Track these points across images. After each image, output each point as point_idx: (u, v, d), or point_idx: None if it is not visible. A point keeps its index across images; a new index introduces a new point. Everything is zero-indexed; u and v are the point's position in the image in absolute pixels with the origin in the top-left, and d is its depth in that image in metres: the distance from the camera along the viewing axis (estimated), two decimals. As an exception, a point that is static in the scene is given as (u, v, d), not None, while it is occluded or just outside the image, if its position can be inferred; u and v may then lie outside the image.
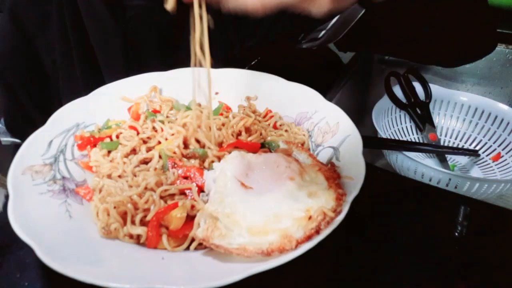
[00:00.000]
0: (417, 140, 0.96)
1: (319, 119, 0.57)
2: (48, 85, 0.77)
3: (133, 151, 0.53)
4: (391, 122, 0.95)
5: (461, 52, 0.69)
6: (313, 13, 0.40)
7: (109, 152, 0.53)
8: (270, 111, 0.62)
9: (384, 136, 0.85)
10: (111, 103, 0.61)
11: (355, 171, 0.46)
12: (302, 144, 0.55)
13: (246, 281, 0.35)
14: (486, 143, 0.91)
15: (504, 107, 0.89)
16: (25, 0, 0.70)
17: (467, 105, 0.94)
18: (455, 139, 0.96)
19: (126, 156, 0.53)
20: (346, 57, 1.00)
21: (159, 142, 0.54)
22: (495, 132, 0.90)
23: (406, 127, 0.96)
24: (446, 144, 0.95)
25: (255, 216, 0.41)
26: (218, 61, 0.66)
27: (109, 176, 0.50)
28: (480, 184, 0.72)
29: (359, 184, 0.44)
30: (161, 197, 0.46)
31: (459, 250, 0.50)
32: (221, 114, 0.60)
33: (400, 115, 0.96)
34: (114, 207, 0.45)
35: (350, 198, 0.42)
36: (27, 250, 0.37)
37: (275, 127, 0.59)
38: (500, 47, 0.99)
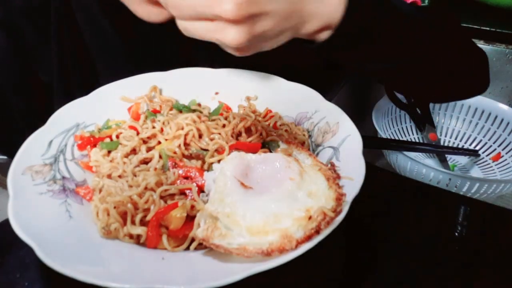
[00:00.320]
0: (417, 140, 0.96)
1: (319, 119, 0.57)
2: (41, 99, 0.76)
3: (133, 151, 0.53)
4: (391, 122, 0.95)
5: (452, 91, 0.69)
6: None
7: (109, 152, 0.53)
8: (270, 111, 0.62)
9: (384, 136, 0.85)
10: (111, 103, 0.60)
11: (355, 171, 0.46)
12: (302, 144, 0.55)
13: (246, 281, 0.35)
14: (486, 143, 0.91)
15: (504, 107, 0.90)
16: (18, 8, 0.69)
17: (467, 105, 0.94)
18: (455, 139, 0.96)
19: (126, 156, 0.53)
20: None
21: (159, 142, 0.54)
22: (495, 132, 0.90)
23: (406, 127, 0.97)
24: (446, 144, 0.95)
25: (255, 216, 0.41)
26: (218, 61, 0.66)
27: (109, 176, 0.50)
28: (480, 184, 0.72)
29: (359, 184, 0.44)
30: (161, 197, 0.46)
31: (459, 250, 0.50)
32: (221, 114, 0.60)
33: (400, 115, 0.97)
34: (114, 207, 0.45)
35: (350, 198, 0.42)
36: (27, 250, 0.37)
37: (275, 127, 0.59)
38: (500, 47, 1.00)
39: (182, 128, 0.54)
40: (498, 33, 0.99)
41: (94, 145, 0.54)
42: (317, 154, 0.54)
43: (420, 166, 0.75)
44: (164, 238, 0.43)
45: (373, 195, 0.50)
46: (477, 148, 0.92)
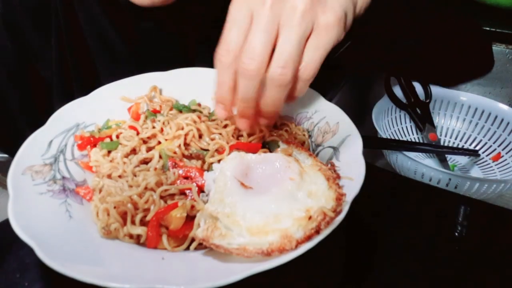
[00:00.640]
0: (417, 140, 0.96)
1: (319, 119, 0.57)
2: (42, 97, 0.76)
3: (133, 151, 0.53)
4: (391, 122, 0.95)
5: (457, 72, 0.70)
6: None
7: (109, 152, 0.53)
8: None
9: (384, 136, 0.85)
10: (111, 103, 0.60)
11: (355, 171, 0.46)
12: (302, 144, 0.55)
13: (246, 281, 0.35)
14: (486, 143, 0.91)
15: (504, 107, 0.90)
16: (18, 7, 0.69)
17: (467, 105, 0.94)
18: (455, 139, 0.96)
19: (126, 156, 0.53)
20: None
21: (159, 142, 0.54)
22: (495, 132, 0.90)
23: (406, 127, 0.97)
24: (446, 144, 0.95)
25: (255, 216, 0.41)
26: None
27: (109, 176, 0.50)
28: (480, 184, 0.72)
29: (359, 184, 0.44)
30: (161, 197, 0.46)
31: (459, 250, 0.50)
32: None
33: (400, 115, 0.96)
34: (114, 207, 0.45)
35: (350, 198, 0.42)
36: (27, 250, 0.37)
37: (275, 127, 0.59)
38: (500, 47, 0.99)
39: (182, 128, 0.54)
40: (498, 33, 0.99)
41: (94, 145, 0.54)
42: (317, 154, 0.54)
43: (420, 166, 0.75)
44: (164, 238, 0.43)
45: (373, 195, 0.50)
46: (477, 148, 0.92)
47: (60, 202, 0.46)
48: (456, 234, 0.52)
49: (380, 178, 0.61)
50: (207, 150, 0.53)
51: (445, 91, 0.96)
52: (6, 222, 0.40)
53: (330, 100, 0.59)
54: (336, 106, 0.57)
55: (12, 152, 0.49)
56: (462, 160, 0.92)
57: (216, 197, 0.43)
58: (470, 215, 0.54)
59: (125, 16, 0.67)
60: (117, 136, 0.55)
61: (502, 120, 0.89)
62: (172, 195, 0.47)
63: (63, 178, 0.50)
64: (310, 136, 0.57)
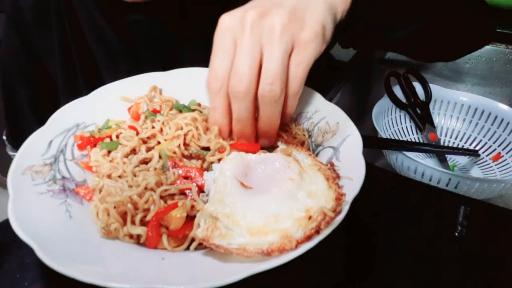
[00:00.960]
0: (417, 140, 0.96)
1: (319, 119, 0.57)
2: (51, 93, 0.77)
3: (133, 151, 0.53)
4: (391, 122, 0.95)
5: (457, 44, 0.71)
6: None
7: (109, 152, 0.53)
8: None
9: (384, 136, 0.85)
10: (111, 103, 0.60)
11: (355, 171, 0.46)
12: (302, 144, 0.55)
13: (246, 281, 0.35)
14: (486, 143, 0.91)
15: (504, 107, 0.90)
16: (25, 6, 0.69)
17: (467, 105, 0.94)
18: (455, 139, 0.96)
19: (126, 156, 0.53)
20: (346, 57, 1.00)
21: (159, 142, 0.54)
22: (495, 132, 0.90)
23: (406, 127, 0.97)
24: (446, 144, 0.95)
25: (255, 216, 0.41)
26: None
27: (109, 176, 0.50)
28: (480, 184, 0.72)
29: (359, 184, 0.44)
30: (161, 197, 0.46)
31: (459, 250, 0.50)
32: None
33: (400, 115, 0.97)
34: (114, 207, 0.45)
35: (350, 198, 0.42)
36: (27, 250, 0.37)
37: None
38: (500, 47, 1.00)
39: (181, 128, 0.54)
40: (498, 33, 0.99)
41: (94, 145, 0.54)
42: (317, 154, 0.54)
43: (420, 166, 0.75)
44: (164, 238, 0.43)
45: (373, 195, 0.50)
46: (477, 148, 0.92)
47: (60, 202, 0.46)
48: (456, 234, 0.52)
49: (380, 178, 0.61)
50: (207, 149, 0.53)
51: (445, 91, 0.96)
52: (6, 222, 0.40)
53: (330, 100, 0.59)
54: (336, 106, 0.57)
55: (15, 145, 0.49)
56: (462, 160, 0.92)
57: (216, 197, 0.43)
58: (470, 215, 0.54)
59: (120, 16, 0.68)
60: (117, 136, 0.55)
61: (502, 120, 0.89)
62: (172, 195, 0.47)
63: (63, 178, 0.50)
64: (310, 136, 0.57)
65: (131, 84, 0.63)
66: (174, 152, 0.52)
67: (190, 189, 0.47)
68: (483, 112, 0.92)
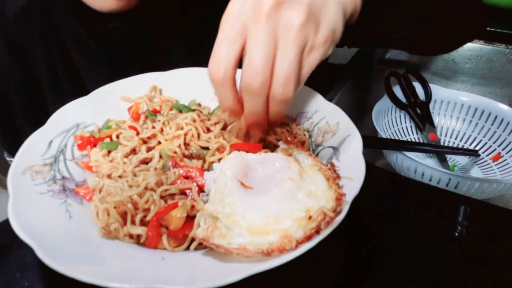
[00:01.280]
0: (417, 140, 0.96)
1: (319, 119, 0.57)
2: (42, 101, 0.77)
3: (133, 151, 0.53)
4: (391, 122, 0.95)
5: (453, 37, 0.72)
6: None
7: (109, 152, 0.53)
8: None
9: (384, 136, 0.85)
10: (111, 103, 0.60)
11: (355, 171, 0.46)
12: (302, 144, 0.55)
13: (246, 281, 0.35)
14: (486, 143, 0.91)
15: (504, 107, 0.90)
16: (13, 19, 0.70)
17: (467, 105, 0.94)
18: (455, 139, 0.96)
19: (126, 156, 0.53)
20: (346, 57, 1.00)
21: (159, 142, 0.54)
22: (495, 132, 0.90)
23: (406, 127, 0.97)
24: (446, 144, 0.95)
25: (255, 216, 0.41)
26: (201, 61, 0.66)
27: (109, 176, 0.50)
28: (480, 184, 0.72)
29: (359, 184, 0.44)
30: (161, 197, 0.46)
31: (459, 250, 0.50)
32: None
33: (400, 115, 0.97)
34: (114, 207, 0.45)
35: (350, 198, 0.42)
36: (27, 250, 0.37)
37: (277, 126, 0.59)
38: (500, 47, 1.00)
39: (182, 128, 0.54)
40: (498, 33, 1.00)
41: (94, 145, 0.54)
42: (317, 154, 0.54)
43: (420, 166, 0.75)
44: (164, 238, 0.43)
45: (373, 195, 0.50)
46: (477, 148, 0.92)
47: (60, 202, 0.46)
48: (456, 234, 0.52)
49: (380, 178, 0.61)
50: (207, 148, 0.53)
51: (445, 91, 0.96)
52: (6, 222, 0.40)
53: (330, 100, 0.59)
54: (336, 106, 0.57)
55: (14, 154, 0.49)
56: (462, 160, 0.92)
57: (216, 197, 0.43)
58: (470, 215, 0.54)
59: (98, 21, 0.69)
60: (117, 136, 0.55)
61: (502, 120, 0.89)
62: (172, 195, 0.47)
63: (63, 178, 0.50)
64: (310, 136, 0.57)
65: (131, 84, 0.63)
66: (175, 152, 0.52)
67: (190, 189, 0.47)
68: (483, 112, 0.92)
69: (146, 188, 0.47)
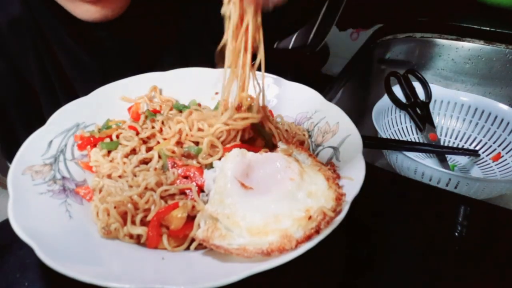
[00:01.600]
0: (417, 140, 0.96)
1: (319, 119, 0.57)
2: (39, 108, 0.78)
3: (133, 151, 0.53)
4: (391, 122, 0.95)
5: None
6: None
7: (109, 152, 0.53)
8: (271, 111, 0.62)
9: (384, 136, 0.85)
10: (111, 103, 0.61)
11: (355, 171, 0.46)
12: (302, 144, 0.55)
13: (246, 281, 0.35)
14: (486, 143, 0.91)
15: (504, 107, 0.89)
16: (6, 29, 0.71)
17: (467, 105, 0.94)
18: (455, 139, 0.96)
19: (126, 156, 0.53)
20: (346, 57, 1.00)
21: (158, 142, 0.54)
22: (495, 132, 0.90)
23: (406, 127, 0.96)
24: (446, 144, 0.95)
25: (255, 217, 0.41)
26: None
27: (109, 176, 0.50)
28: (480, 184, 0.72)
29: (359, 184, 0.44)
30: (161, 197, 0.46)
31: (459, 250, 0.50)
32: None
33: (400, 115, 0.96)
34: (114, 207, 0.45)
35: (350, 198, 0.42)
36: (27, 250, 0.37)
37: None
38: (500, 47, 1.00)
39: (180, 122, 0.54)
40: (498, 33, 0.99)
41: (94, 145, 0.54)
42: (317, 154, 0.54)
43: (420, 166, 0.75)
44: (165, 238, 0.43)
45: (373, 195, 0.50)
46: (477, 148, 0.92)
47: (60, 202, 0.46)
48: (456, 234, 0.52)
49: (380, 178, 0.61)
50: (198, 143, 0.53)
51: (445, 91, 0.96)
52: (6, 222, 0.40)
53: (330, 100, 0.59)
54: (336, 106, 0.57)
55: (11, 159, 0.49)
56: (462, 160, 0.92)
57: (216, 197, 0.43)
58: (470, 215, 0.54)
59: (86, 31, 0.70)
60: (117, 136, 0.55)
61: (502, 120, 0.89)
62: (172, 195, 0.47)
63: (63, 178, 0.50)
64: (310, 136, 0.57)
65: (131, 84, 0.63)
66: (173, 152, 0.52)
67: (190, 189, 0.47)
68: (483, 112, 0.92)
69: (146, 188, 0.47)
